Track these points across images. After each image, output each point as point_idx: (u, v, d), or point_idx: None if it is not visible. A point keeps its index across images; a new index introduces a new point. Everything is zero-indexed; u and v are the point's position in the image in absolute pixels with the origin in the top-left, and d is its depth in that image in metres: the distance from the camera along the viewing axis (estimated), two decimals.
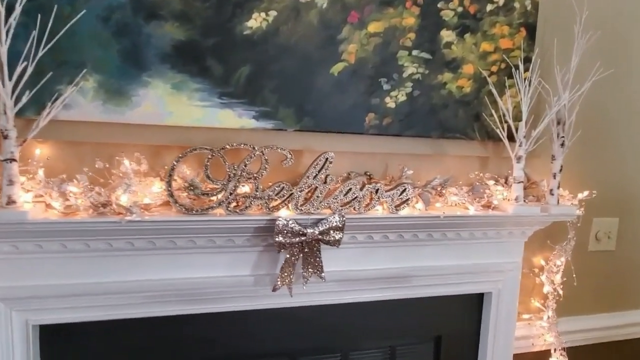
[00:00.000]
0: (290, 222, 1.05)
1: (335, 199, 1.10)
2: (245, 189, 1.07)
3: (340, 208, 1.11)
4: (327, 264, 1.13)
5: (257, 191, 1.05)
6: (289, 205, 1.08)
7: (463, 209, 1.24)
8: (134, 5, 0.99)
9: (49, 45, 0.93)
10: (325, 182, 1.09)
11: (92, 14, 0.97)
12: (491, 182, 1.29)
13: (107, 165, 1.01)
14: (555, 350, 1.46)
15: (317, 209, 1.09)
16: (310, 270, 1.12)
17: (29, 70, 0.92)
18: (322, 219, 1.09)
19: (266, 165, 1.05)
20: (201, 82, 1.05)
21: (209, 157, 1.01)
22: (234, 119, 1.09)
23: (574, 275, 1.43)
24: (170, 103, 1.04)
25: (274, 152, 1.05)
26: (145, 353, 1.15)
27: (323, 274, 1.13)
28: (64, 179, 0.97)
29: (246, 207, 1.05)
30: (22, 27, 0.91)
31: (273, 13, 1.08)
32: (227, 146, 1.03)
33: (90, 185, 0.98)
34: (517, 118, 1.26)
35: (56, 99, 0.96)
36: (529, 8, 1.28)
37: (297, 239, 1.07)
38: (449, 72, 1.24)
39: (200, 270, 1.11)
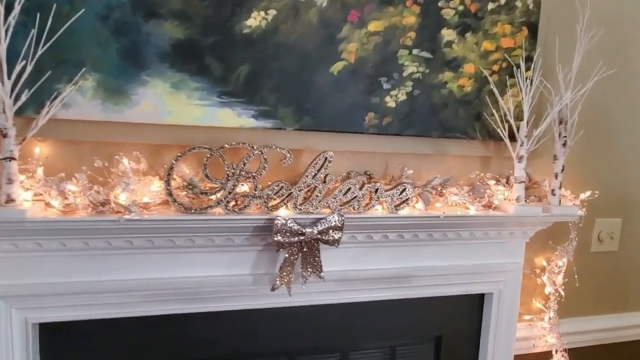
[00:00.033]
0: (289, 221, 1.05)
1: (335, 198, 1.10)
2: (244, 188, 1.07)
3: (340, 207, 1.10)
4: (327, 263, 1.13)
5: (256, 190, 1.05)
6: (288, 204, 1.07)
7: (464, 209, 1.23)
8: (133, 4, 0.99)
9: (48, 44, 0.93)
10: (324, 182, 1.09)
11: (91, 12, 0.97)
12: (492, 182, 1.28)
13: (106, 164, 1.01)
14: (556, 351, 1.45)
15: (316, 208, 1.09)
16: (309, 269, 1.12)
17: (28, 69, 0.92)
18: (321, 219, 1.08)
19: (265, 165, 1.05)
20: (200, 81, 1.05)
21: (208, 156, 1.01)
22: (233, 118, 1.09)
23: (576, 276, 1.42)
24: (170, 102, 1.04)
25: (273, 151, 1.05)
26: (145, 352, 1.15)
27: (322, 273, 1.13)
28: (63, 177, 0.97)
29: (245, 206, 1.05)
30: (21, 25, 0.91)
31: (272, 12, 1.07)
32: (226, 145, 1.02)
33: (89, 184, 0.98)
34: (519, 117, 1.26)
35: (55, 98, 0.96)
36: (531, 7, 1.28)
37: (296, 239, 1.07)
38: (450, 72, 1.23)
39: (199, 269, 1.11)
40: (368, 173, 1.24)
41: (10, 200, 0.92)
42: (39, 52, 0.92)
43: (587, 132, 1.34)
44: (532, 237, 1.35)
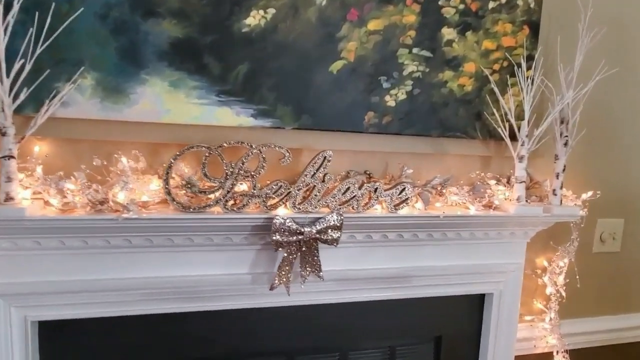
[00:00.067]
0: (288, 220, 1.05)
1: (334, 197, 1.10)
2: (243, 187, 1.06)
3: (339, 207, 1.10)
4: (326, 263, 1.13)
5: (254, 189, 1.05)
6: (287, 203, 1.07)
7: (464, 208, 1.22)
8: (131, 3, 0.99)
9: (47, 43, 0.93)
10: (323, 181, 1.08)
11: (89, 11, 0.97)
12: (493, 182, 1.28)
13: (105, 163, 1.01)
14: (557, 352, 1.44)
15: (315, 207, 1.09)
16: (308, 269, 1.12)
17: (27, 67, 0.92)
18: (320, 218, 1.08)
19: (264, 164, 1.04)
20: (199, 79, 1.05)
21: (207, 155, 1.01)
22: (232, 117, 1.09)
23: (577, 277, 1.41)
24: (168, 101, 1.04)
25: (272, 150, 1.05)
26: (144, 350, 1.15)
27: (321, 273, 1.13)
28: (62, 176, 0.98)
29: (244, 206, 1.05)
30: (20, 24, 0.92)
31: (271, 10, 1.07)
32: (225, 144, 1.02)
33: (88, 183, 0.98)
34: (520, 117, 1.25)
35: (54, 97, 0.96)
36: (532, 5, 1.27)
37: (295, 238, 1.07)
38: (450, 71, 1.23)
39: (198, 268, 1.11)
40: (368, 172, 1.23)
41: (9, 198, 0.92)
42: (38, 51, 0.93)
43: (589, 132, 1.33)
44: (533, 237, 1.34)
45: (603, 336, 1.53)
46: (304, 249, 1.10)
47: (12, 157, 0.92)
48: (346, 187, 1.10)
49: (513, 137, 1.25)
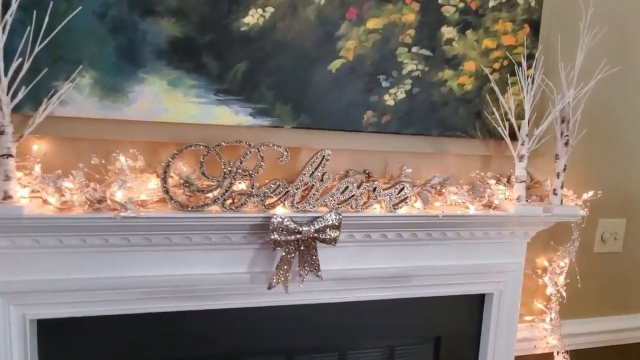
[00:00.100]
0: (286, 219, 1.05)
1: (332, 197, 1.09)
2: (241, 186, 1.06)
3: (337, 206, 1.10)
4: (325, 262, 1.12)
5: (253, 188, 1.04)
6: (285, 202, 1.07)
7: (463, 208, 1.22)
8: (129, 2, 0.99)
9: (45, 42, 0.93)
10: (321, 180, 1.08)
11: (88, 10, 0.97)
12: (492, 182, 1.27)
13: (103, 162, 1.01)
14: (558, 353, 1.43)
15: (314, 206, 1.08)
16: (306, 268, 1.12)
17: (26, 66, 0.92)
18: (318, 217, 1.08)
19: (262, 163, 1.04)
20: (197, 78, 1.05)
21: (205, 154, 1.01)
22: (230, 115, 1.09)
23: (578, 277, 1.41)
24: (166, 99, 1.04)
25: (270, 149, 1.04)
26: (142, 349, 1.15)
27: (320, 272, 1.12)
28: (60, 174, 0.98)
29: (242, 205, 1.04)
30: (18, 23, 0.92)
31: (270, 9, 1.07)
32: (223, 143, 1.02)
33: (86, 181, 0.98)
34: (520, 116, 1.24)
35: (52, 95, 0.96)
36: (533, 4, 1.26)
37: (293, 237, 1.06)
38: (450, 69, 1.22)
39: (197, 267, 1.11)
40: (367, 172, 1.23)
41: (7, 197, 0.92)
42: (36, 50, 0.93)
43: (590, 131, 1.33)
44: (534, 237, 1.33)
45: (604, 337, 1.52)
46: (302, 248, 1.10)
47: (11, 155, 0.92)
48: (345, 186, 1.10)
49: (513, 137, 1.24)
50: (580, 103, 1.26)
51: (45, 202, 0.98)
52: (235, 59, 1.07)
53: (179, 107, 1.05)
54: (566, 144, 1.27)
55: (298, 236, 1.07)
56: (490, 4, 1.23)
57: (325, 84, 1.14)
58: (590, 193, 1.33)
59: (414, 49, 1.19)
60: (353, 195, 1.10)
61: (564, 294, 1.40)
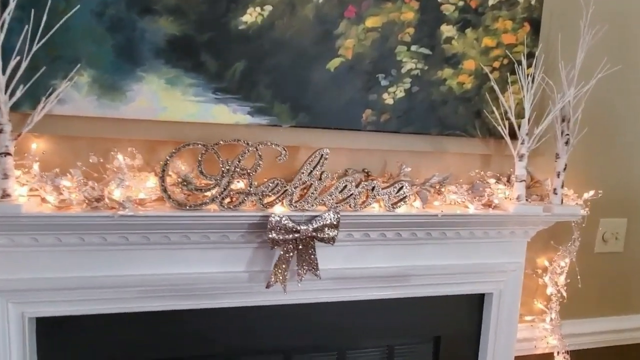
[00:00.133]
0: (284, 218, 1.04)
1: (331, 196, 1.09)
2: (240, 185, 1.06)
3: (336, 205, 1.10)
4: (323, 261, 1.12)
5: (251, 187, 1.04)
6: (283, 201, 1.07)
7: (463, 207, 1.21)
8: (128, 0, 0.99)
9: (43, 40, 0.93)
10: (320, 179, 1.08)
11: (86, 9, 0.97)
12: (492, 181, 1.26)
13: (102, 160, 1.01)
14: (558, 353, 1.43)
15: (312, 205, 1.08)
16: (305, 267, 1.11)
17: (24, 64, 0.92)
18: (317, 216, 1.08)
19: (260, 162, 1.04)
20: (195, 77, 1.05)
21: (203, 152, 1.01)
22: (229, 114, 1.09)
23: (579, 277, 1.40)
24: (165, 98, 1.04)
25: (268, 148, 1.04)
26: (141, 347, 1.15)
27: (318, 271, 1.12)
28: (58, 173, 0.98)
29: (240, 203, 1.04)
30: (16, 21, 0.92)
31: (268, 8, 1.07)
32: (221, 142, 1.02)
33: (84, 180, 0.98)
34: (520, 115, 1.24)
35: (51, 94, 0.96)
36: (533, 2, 1.25)
37: (291, 236, 1.06)
38: (449, 68, 1.22)
39: (195, 265, 1.11)
40: (366, 171, 1.22)
41: (5, 195, 0.92)
42: (34, 48, 0.93)
43: (591, 130, 1.32)
44: (534, 236, 1.33)
45: (605, 337, 1.52)
46: (300, 247, 1.10)
47: (9, 154, 0.93)
48: (343, 185, 1.10)
49: (513, 136, 1.23)
50: (580, 102, 1.25)
51: (43, 200, 0.98)
52: (234, 58, 1.07)
53: (177, 106, 1.05)
54: (567, 143, 1.26)
55: (296, 235, 1.06)
56: (490, 2, 1.22)
57: (324, 83, 1.14)
58: (591, 192, 1.32)
59: (413, 48, 1.18)
60: (352, 194, 1.10)
61: (565, 294, 1.39)
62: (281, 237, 1.06)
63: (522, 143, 1.22)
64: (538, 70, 1.22)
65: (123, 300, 1.08)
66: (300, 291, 1.15)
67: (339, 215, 1.08)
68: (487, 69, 1.24)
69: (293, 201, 1.07)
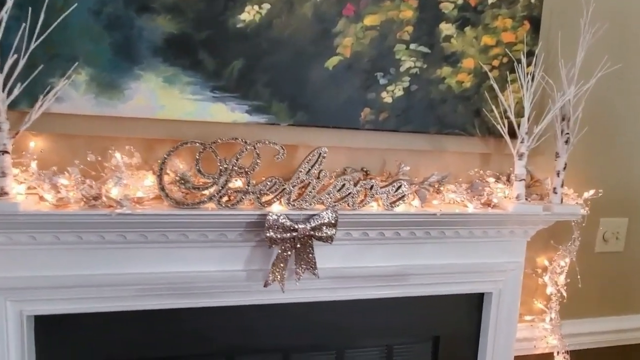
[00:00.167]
0: (281, 217, 1.04)
1: (329, 194, 1.09)
2: (238, 183, 1.06)
3: (334, 204, 1.09)
4: (322, 260, 1.12)
5: (249, 186, 1.04)
6: (281, 200, 1.07)
7: (462, 206, 1.21)
8: None
9: (40, 38, 0.93)
10: (318, 178, 1.08)
11: (83, 7, 0.97)
12: (492, 180, 1.26)
13: (99, 158, 1.01)
14: (558, 353, 1.42)
15: (310, 204, 1.08)
16: (303, 266, 1.11)
17: (21, 63, 0.92)
18: (314, 215, 1.07)
19: (258, 160, 1.04)
20: (193, 75, 1.05)
21: (201, 151, 1.01)
22: (227, 113, 1.08)
23: (579, 277, 1.39)
24: (162, 96, 1.04)
25: (266, 146, 1.04)
26: (139, 345, 1.15)
27: (316, 270, 1.12)
28: (55, 171, 0.98)
29: (238, 202, 1.04)
30: (14, 20, 0.92)
31: (266, 6, 1.06)
32: (219, 140, 1.02)
33: (82, 178, 0.98)
34: (520, 114, 1.23)
35: (48, 92, 0.96)
36: (533, 0, 1.24)
37: (289, 235, 1.06)
38: (448, 67, 1.21)
39: (193, 264, 1.10)
40: (364, 169, 1.22)
41: (3, 193, 0.93)
42: (32, 46, 0.93)
43: (591, 129, 1.31)
44: (534, 236, 1.32)
45: (605, 337, 1.51)
46: (298, 246, 1.09)
47: (7, 152, 0.93)
48: (341, 184, 1.09)
49: (513, 135, 1.23)
50: (580, 101, 1.24)
51: (41, 198, 0.98)
52: (232, 56, 1.07)
53: (175, 104, 1.05)
54: (567, 142, 1.25)
55: (294, 234, 1.06)
56: (490, 0, 1.21)
57: (322, 82, 1.13)
58: (591, 192, 1.31)
59: (412, 46, 1.18)
60: (350, 193, 1.10)
61: (564, 293, 1.39)
62: (279, 236, 1.05)
63: (522, 142, 1.21)
64: (538, 69, 1.22)
65: (121, 299, 1.08)
66: (299, 290, 1.15)
67: (336, 214, 1.08)
68: (486, 68, 1.23)
69: (291, 200, 1.07)
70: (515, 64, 1.23)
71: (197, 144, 1.01)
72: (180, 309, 1.13)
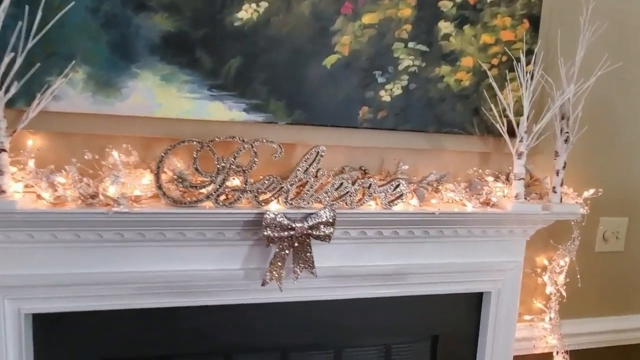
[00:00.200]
0: (279, 216, 1.04)
1: (327, 193, 1.09)
2: (235, 182, 1.06)
3: (332, 203, 1.09)
4: (320, 259, 1.12)
5: (246, 184, 1.04)
6: (279, 199, 1.07)
7: (461, 205, 1.20)
8: None
9: (38, 37, 0.93)
10: (316, 176, 1.07)
11: (81, 5, 0.97)
12: (490, 179, 1.26)
13: (97, 157, 1.01)
14: (557, 353, 1.42)
15: (308, 203, 1.08)
16: (301, 265, 1.11)
17: (19, 61, 0.92)
18: (312, 214, 1.07)
19: (255, 159, 1.04)
20: (191, 74, 1.05)
21: (198, 149, 1.01)
22: (224, 111, 1.08)
23: (578, 276, 1.38)
24: (160, 95, 1.04)
25: (264, 145, 1.04)
26: (137, 344, 1.15)
27: (314, 269, 1.12)
28: (53, 169, 0.98)
29: (235, 200, 1.04)
30: (11, 18, 0.92)
31: (264, 4, 1.06)
32: (216, 139, 1.02)
33: (79, 176, 0.99)
34: (519, 113, 1.22)
35: (46, 90, 0.96)
36: None
37: (286, 233, 1.06)
38: (447, 65, 1.21)
39: (191, 263, 1.10)
40: (363, 168, 1.22)
41: (0, 191, 0.93)
42: (29, 45, 0.93)
43: (591, 128, 1.31)
44: (533, 235, 1.32)
45: (605, 337, 1.50)
46: (296, 244, 1.09)
47: (4, 150, 0.93)
48: (339, 182, 1.09)
49: (512, 134, 1.22)
50: (580, 99, 1.24)
51: (39, 197, 0.98)
52: (229, 55, 1.07)
53: (173, 103, 1.05)
54: (566, 140, 1.25)
55: (291, 233, 1.06)
56: None
57: (320, 80, 1.13)
58: (591, 191, 1.31)
59: (411, 44, 1.18)
60: (348, 192, 1.10)
61: (564, 293, 1.38)
62: (276, 235, 1.05)
63: (521, 141, 1.21)
64: (537, 67, 1.21)
65: (119, 297, 1.08)
66: (297, 289, 1.15)
67: (334, 213, 1.07)
68: (485, 66, 1.23)
69: (289, 199, 1.07)
70: (515, 62, 1.22)
71: (195, 142, 1.00)
72: (178, 307, 1.13)
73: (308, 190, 1.07)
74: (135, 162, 1.04)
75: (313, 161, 1.07)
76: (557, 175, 1.26)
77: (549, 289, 1.39)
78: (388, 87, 1.18)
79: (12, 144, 0.95)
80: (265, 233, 1.04)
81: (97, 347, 1.12)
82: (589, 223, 1.38)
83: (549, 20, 1.28)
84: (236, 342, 1.22)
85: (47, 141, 1.04)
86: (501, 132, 1.23)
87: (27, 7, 0.93)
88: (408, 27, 1.16)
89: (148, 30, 1.01)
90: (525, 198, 1.23)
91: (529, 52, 1.24)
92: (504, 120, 1.23)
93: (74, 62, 0.98)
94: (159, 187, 1.00)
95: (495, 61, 1.24)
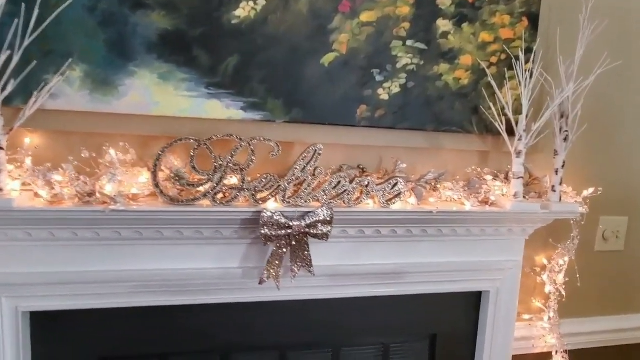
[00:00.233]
0: (276, 214, 1.04)
1: (324, 192, 1.08)
2: (233, 180, 1.06)
3: (329, 201, 1.09)
4: (317, 258, 1.11)
5: (244, 183, 1.04)
6: (277, 197, 1.06)
7: (459, 204, 1.20)
8: None
9: (35, 34, 0.93)
10: (313, 175, 1.07)
11: (78, 3, 0.97)
12: (489, 178, 1.25)
13: (94, 155, 1.01)
14: (556, 352, 1.41)
15: (305, 201, 1.08)
16: (298, 263, 1.11)
17: (15, 59, 0.92)
18: (310, 212, 1.07)
19: (253, 157, 1.04)
20: (188, 72, 1.05)
21: (195, 147, 1.01)
22: (222, 109, 1.08)
23: (578, 276, 1.38)
24: (157, 93, 1.04)
25: (262, 143, 1.04)
26: (135, 342, 1.15)
27: (312, 268, 1.11)
28: (50, 167, 0.98)
29: (232, 199, 1.04)
30: (7, 16, 0.92)
31: (262, 2, 1.06)
32: (214, 137, 1.02)
33: (76, 175, 0.99)
34: (518, 111, 1.22)
35: (43, 88, 0.96)
36: None
37: (284, 232, 1.06)
38: (446, 63, 1.20)
39: (188, 261, 1.10)
40: (361, 167, 1.22)
41: None
42: (26, 43, 0.93)
43: (591, 127, 1.30)
44: (532, 234, 1.31)
45: (604, 337, 1.50)
46: (293, 243, 1.09)
47: (1, 148, 0.93)
48: (337, 181, 1.09)
49: (511, 132, 1.22)
50: (580, 98, 1.23)
51: (36, 195, 0.98)
52: (227, 53, 1.06)
53: (170, 101, 1.05)
54: (565, 139, 1.24)
55: (289, 231, 1.06)
56: None
57: (318, 78, 1.13)
58: (591, 190, 1.30)
59: (409, 43, 1.17)
60: (345, 191, 1.09)
61: (563, 292, 1.38)
62: (274, 233, 1.05)
63: (520, 139, 1.20)
64: (536, 66, 1.21)
65: (116, 295, 1.08)
66: (294, 287, 1.15)
67: (332, 211, 1.07)
68: (484, 65, 1.22)
69: (286, 197, 1.07)
70: (514, 60, 1.22)
71: (192, 140, 1.00)
72: (176, 306, 1.13)
73: (306, 189, 1.07)
74: (132, 160, 1.04)
75: (311, 159, 1.07)
76: (557, 174, 1.25)
77: (548, 288, 1.39)
78: (386, 85, 1.18)
79: (9, 142, 0.95)
80: (263, 231, 1.04)
81: (94, 345, 1.13)
82: (589, 222, 1.37)
83: (548, 18, 1.27)
84: (234, 341, 1.22)
85: (44, 139, 1.04)
86: (500, 130, 1.22)
87: (23, 5, 0.93)
88: (406, 25, 1.16)
89: (145, 28, 1.01)
90: (524, 197, 1.23)
91: (528, 51, 1.24)
92: (503, 118, 1.22)
93: (71, 60, 0.98)
94: (156, 185, 1.00)
95: (494, 59, 1.24)
